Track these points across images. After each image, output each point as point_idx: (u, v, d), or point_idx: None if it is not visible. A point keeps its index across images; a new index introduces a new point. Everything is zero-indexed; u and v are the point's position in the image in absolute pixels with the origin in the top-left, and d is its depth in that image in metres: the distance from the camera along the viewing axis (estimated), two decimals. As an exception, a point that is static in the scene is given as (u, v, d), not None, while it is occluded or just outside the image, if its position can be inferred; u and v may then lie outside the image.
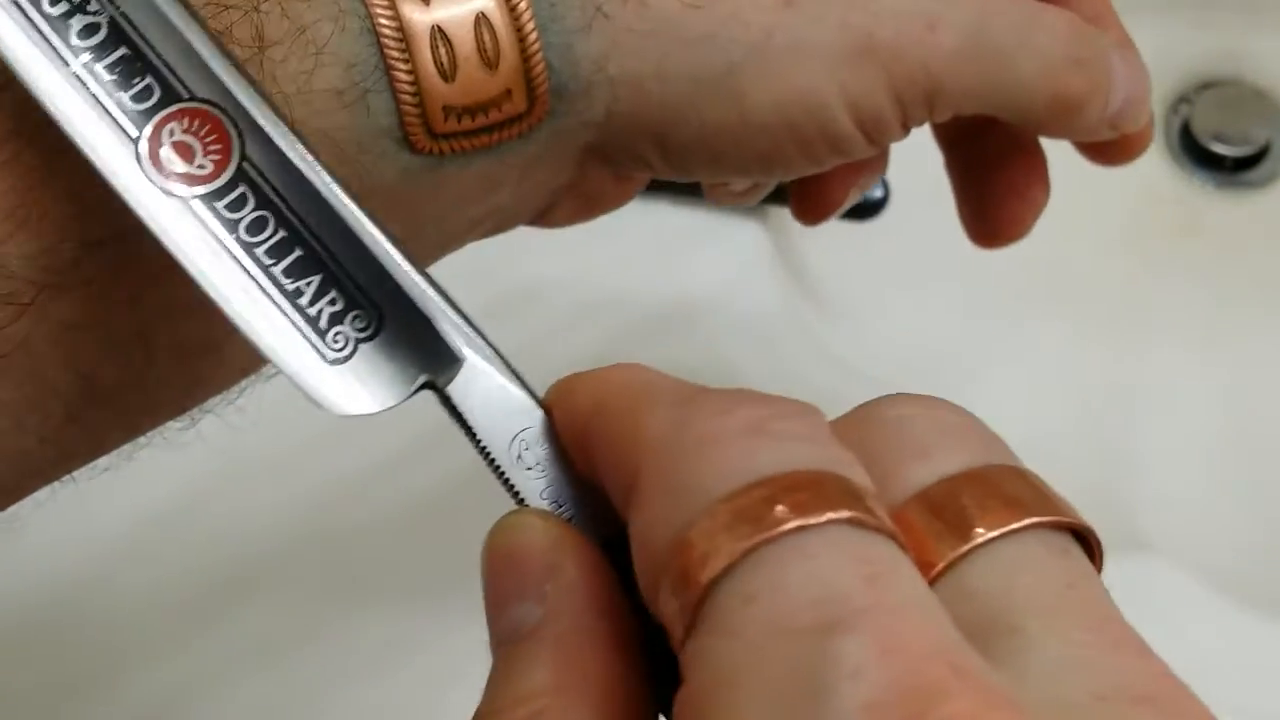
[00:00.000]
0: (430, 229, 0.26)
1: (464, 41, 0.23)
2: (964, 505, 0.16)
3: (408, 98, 0.23)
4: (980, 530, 0.15)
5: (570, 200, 0.29)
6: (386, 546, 0.41)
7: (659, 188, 0.47)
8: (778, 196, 0.46)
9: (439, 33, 0.23)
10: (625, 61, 0.24)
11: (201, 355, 0.23)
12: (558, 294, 0.45)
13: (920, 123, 0.28)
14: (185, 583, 0.40)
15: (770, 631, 0.13)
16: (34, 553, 0.39)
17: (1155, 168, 0.55)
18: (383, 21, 0.22)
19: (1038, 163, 0.33)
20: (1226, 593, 0.41)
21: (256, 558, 0.40)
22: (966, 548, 0.15)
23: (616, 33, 0.24)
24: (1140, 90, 0.30)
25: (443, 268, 0.37)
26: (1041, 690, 0.13)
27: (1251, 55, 0.56)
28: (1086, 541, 0.17)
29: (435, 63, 0.23)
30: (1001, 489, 0.16)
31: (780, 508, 0.14)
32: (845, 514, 0.14)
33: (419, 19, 0.23)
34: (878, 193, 0.46)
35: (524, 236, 0.47)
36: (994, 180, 0.33)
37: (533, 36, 0.23)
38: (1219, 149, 0.54)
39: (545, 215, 0.29)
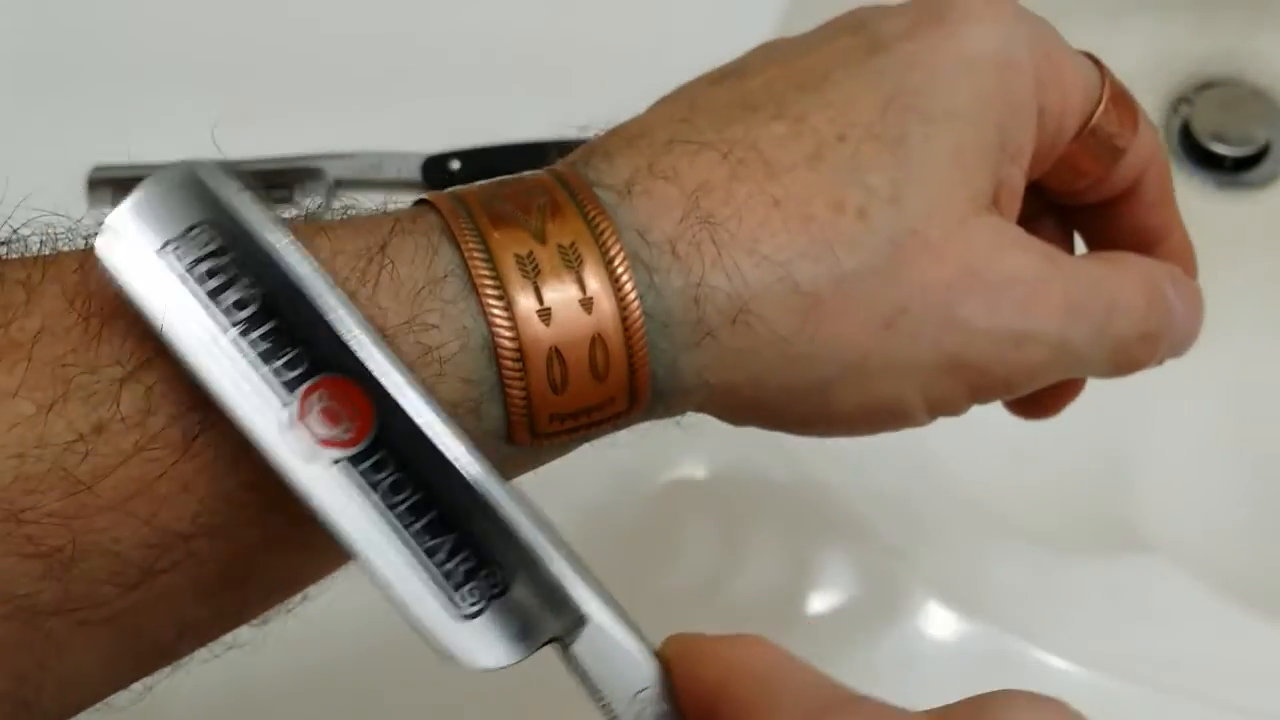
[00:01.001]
0: None
1: (578, 360, 0.23)
2: None
3: (518, 407, 0.23)
4: None
5: None
6: None
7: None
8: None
9: (555, 353, 0.23)
10: (724, 373, 0.25)
11: (287, 592, 0.24)
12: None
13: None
14: None
15: None
16: None
17: (1155, 168, 0.55)
18: (504, 343, 0.23)
19: None
20: (1227, 593, 0.41)
21: None
22: None
23: (721, 350, 0.25)
24: (1193, 328, 0.32)
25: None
26: None
27: (1251, 56, 0.56)
28: None
29: (548, 379, 0.23)
30: None
31: None
32: None
33: (539, 339, 0.23)
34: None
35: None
36: None
37: (643, 354, 0.24)
38: (1219, 149, 0.54)
39: None
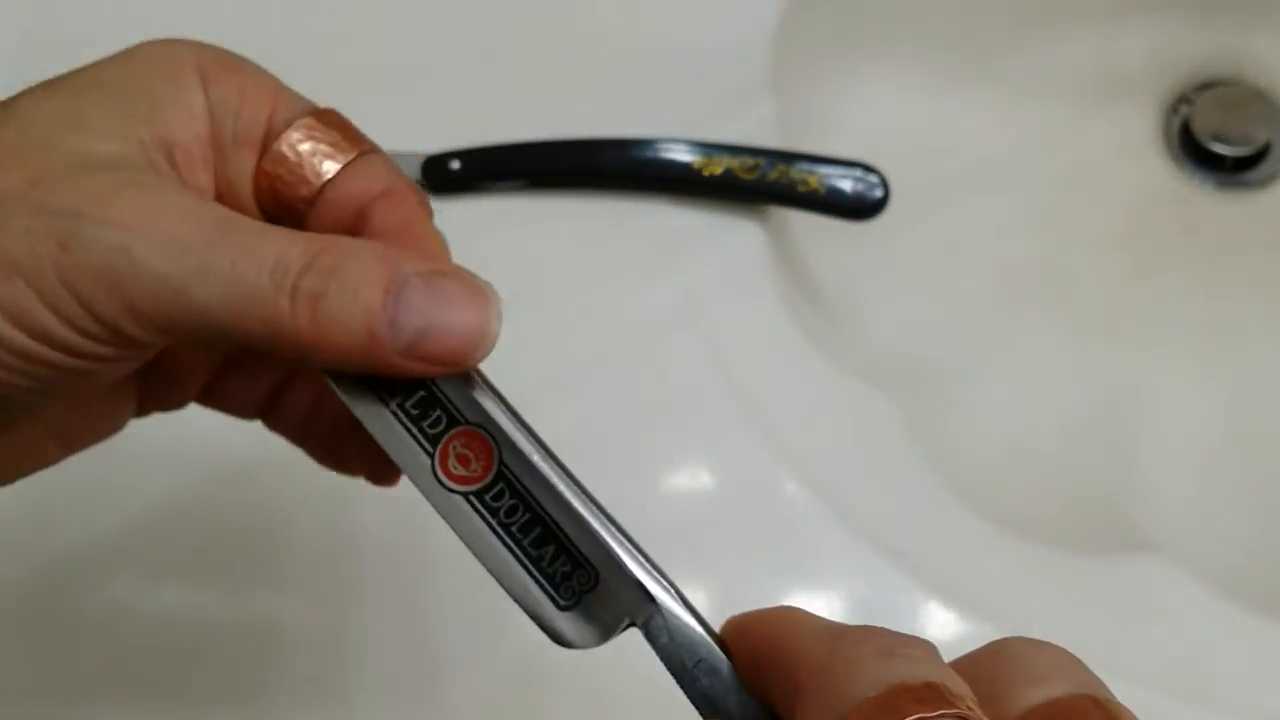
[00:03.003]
0: None
1: None
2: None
3: None
4: None
5: None
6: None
7: (659, 188, 0.47)
8: (778, 196, 0.47)
9: None
10: None
11: None
12: (555, 292, 0.45)
13: (108, 338, 0.27)
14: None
15: None
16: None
17: (1155, 168, 0.55)
18: None
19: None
20: (1227, 593, 0.41)
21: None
22: None
23: None
24: (458, 316, 0.27)
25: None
26: None
27: (1251, 56, 0.56)
28: None
29: None
30: (1088, 714, 0.22)
31: (909, 704, 0.20)
32: (953, 711, 0.20)
33: None
34: (877, 193, 0.46)
35: (522, 234, 0.47)
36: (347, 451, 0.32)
37: None
38: (1219, 149, 0.54)
39: None
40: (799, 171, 0.46)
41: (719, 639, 0.24)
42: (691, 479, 0.43)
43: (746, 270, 0.46)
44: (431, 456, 0.25)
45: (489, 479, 0.25)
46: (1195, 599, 0.42)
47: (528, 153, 0.47)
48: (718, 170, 0.46)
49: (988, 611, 0.40)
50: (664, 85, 0.49)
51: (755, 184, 0.46)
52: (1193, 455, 0.49)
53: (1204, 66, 0.56)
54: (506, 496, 0.25)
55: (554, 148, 0.47)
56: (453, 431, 0.26)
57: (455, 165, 0.47)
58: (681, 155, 0.46)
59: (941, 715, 0.20)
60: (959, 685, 0.21)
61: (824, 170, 0.46)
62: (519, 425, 0.26)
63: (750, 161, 0.46)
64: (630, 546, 0.25)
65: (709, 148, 0.46)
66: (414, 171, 0.46)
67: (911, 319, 0.52)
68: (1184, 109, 0.56)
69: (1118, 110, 0.56)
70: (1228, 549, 0.46)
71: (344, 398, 0.26)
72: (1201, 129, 0.55)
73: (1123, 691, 0.40)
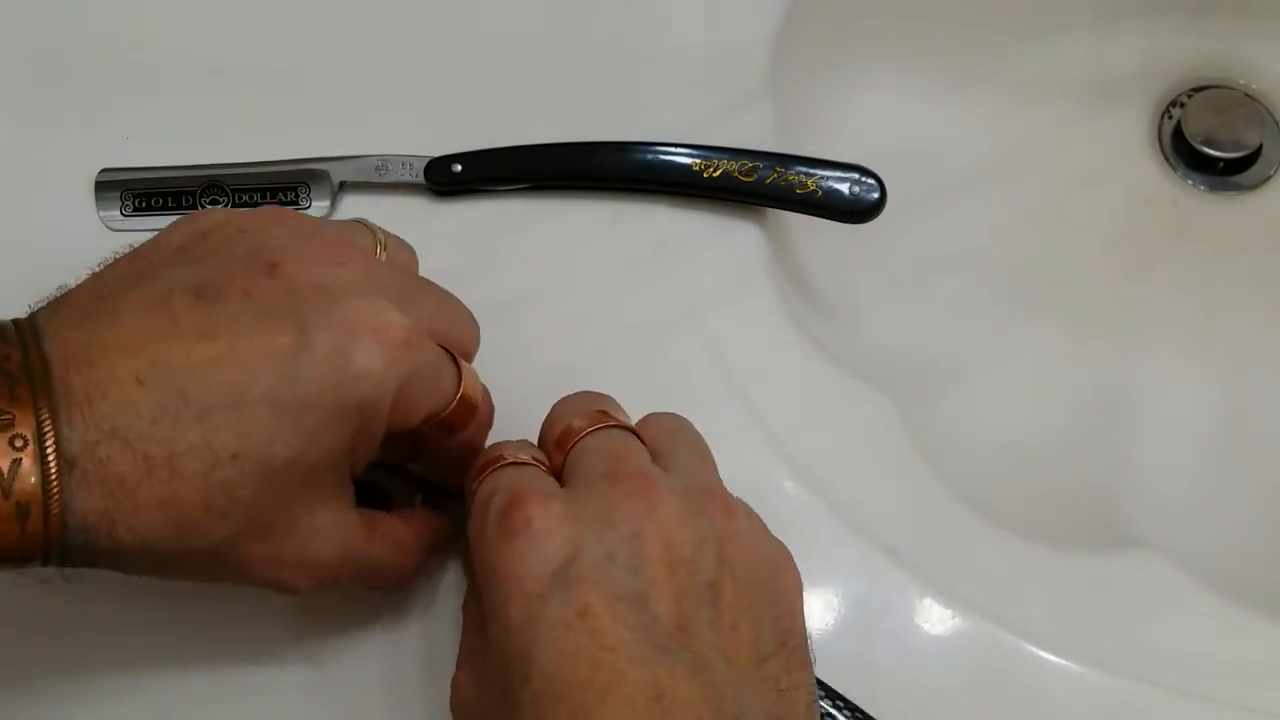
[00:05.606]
0: None
1: None
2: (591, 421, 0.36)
3: None
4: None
5: None
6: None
7: (658, 190, 0.47)
8: (776, 199, 0.47)
9: None
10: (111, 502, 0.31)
11: None
12: (557, 294, 0.46)
13: None
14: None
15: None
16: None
17: (1147, 170, 0.56)
18: None
19: None
20: (1223, 590, 0.42)
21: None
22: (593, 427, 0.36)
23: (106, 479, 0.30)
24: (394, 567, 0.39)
25: (445, 267, 0.38)
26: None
27: (1243, 59, 0.57)
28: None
29: None
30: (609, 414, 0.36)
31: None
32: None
33: None
34: (874, 195, 0.46)
35: (523, 236, 0.47)
36: None
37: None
38: (1210, 152, 0.55)
39: None
40: (797, 174, 0.46)
41: None
42: (691, 478, 0.43)
43: (745, 272, 0.47)
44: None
45: None
46: (1190, 595, 0.42)
47: (529, 155, 0.47)
48: (717, 173, 0.46)
49: (984, 609, 0.40)
50: (664, 89, 0.49)
51: (754, 187, 0.46)
52: (1186, 453, 0.49)
53: (1195, 70, 0.57)
54: None
55: (555, 150, 0.47)
56: None
57: (457, 168, 0.47)
58: (681, 158, 0.46)
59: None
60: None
61: (821, 173, 0.46)
62: None
63: (749, 164, 0.46)
64: None
65: (708, 151, 0.46)
66: (416, 174, 0.47)
67: (908, 319, 0.52)
68: (1175, 112, 0.56)
69: (1110, 114, 0.57)
70: (1224, 546, 0.47)
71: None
72: (1193, 132, 0.55)
73: (1119, 687, 0.41)
